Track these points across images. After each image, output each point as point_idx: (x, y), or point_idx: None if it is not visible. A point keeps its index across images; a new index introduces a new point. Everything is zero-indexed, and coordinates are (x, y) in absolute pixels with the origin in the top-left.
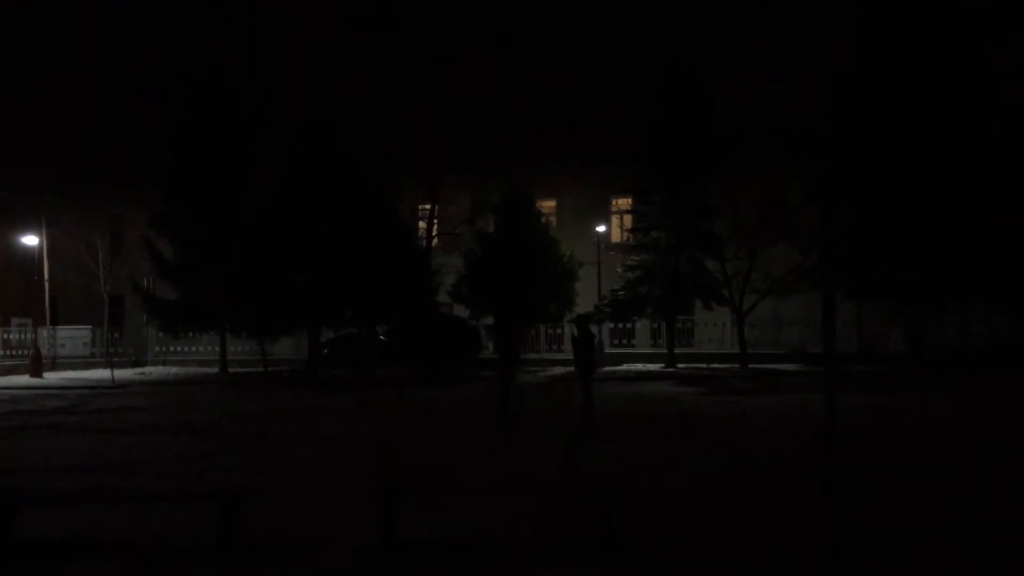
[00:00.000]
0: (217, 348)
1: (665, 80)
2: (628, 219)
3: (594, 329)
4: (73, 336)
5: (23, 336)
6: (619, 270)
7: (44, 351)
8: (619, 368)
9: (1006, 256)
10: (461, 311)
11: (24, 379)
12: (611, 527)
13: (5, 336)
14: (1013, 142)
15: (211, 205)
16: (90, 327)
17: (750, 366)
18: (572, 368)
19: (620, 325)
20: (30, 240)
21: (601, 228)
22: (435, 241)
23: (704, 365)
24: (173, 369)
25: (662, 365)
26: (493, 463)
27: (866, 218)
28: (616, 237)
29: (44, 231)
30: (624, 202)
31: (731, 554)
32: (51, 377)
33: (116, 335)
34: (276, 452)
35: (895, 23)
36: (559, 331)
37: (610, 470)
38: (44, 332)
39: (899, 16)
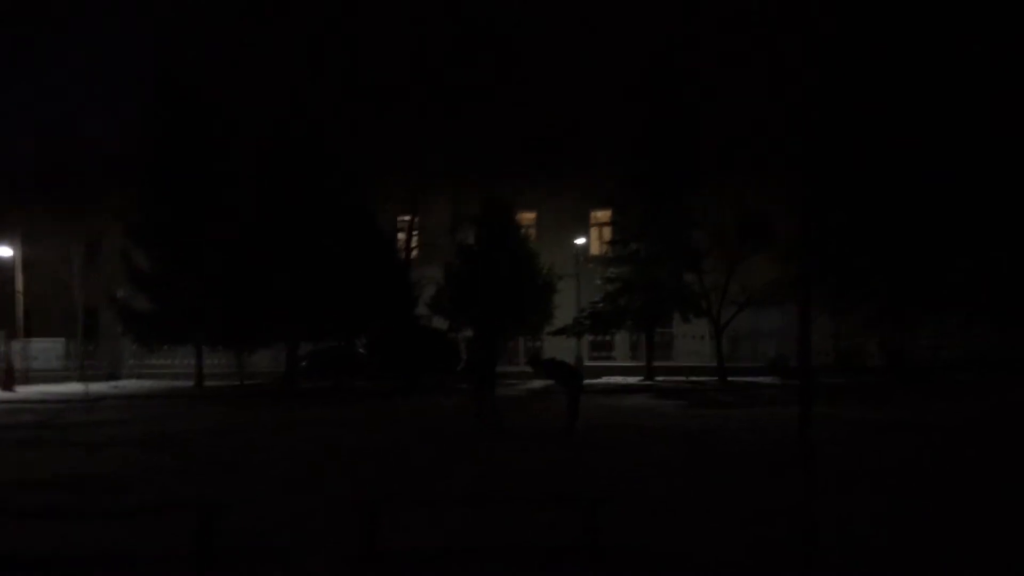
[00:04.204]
0: (193, 361)
1: (645, 92)
2: (608, 231)
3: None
4: (46, 349)
5: None
6: (598, 282)
7: (16, 364)
8: (598, 381)
9: (990, 263)
10: (440, 323)
11: None
12: (596, 536)
13: None
14: (994, 151)
15: (189, 215)
16: (63, 340)
17: (728, 379)
18: (551, 382)
19: (599, 337)
20: (4, 252)
21: (581, 240)
22: (415, 253)
23: (683, 378)
24: (148, 382)
25: (641, 378)
26: (474, 474)
27: (844, 229)
28: (596, 250)
29: (19, 244)
30: (604, 214)
31: (712, 562)
32: (24, 391)
33: (90, 348)
34: (253, 465)
35: (868, 34)
36: (538, 344)
37: (593, 481)
38: (16, 345)
39: (873, 27)
